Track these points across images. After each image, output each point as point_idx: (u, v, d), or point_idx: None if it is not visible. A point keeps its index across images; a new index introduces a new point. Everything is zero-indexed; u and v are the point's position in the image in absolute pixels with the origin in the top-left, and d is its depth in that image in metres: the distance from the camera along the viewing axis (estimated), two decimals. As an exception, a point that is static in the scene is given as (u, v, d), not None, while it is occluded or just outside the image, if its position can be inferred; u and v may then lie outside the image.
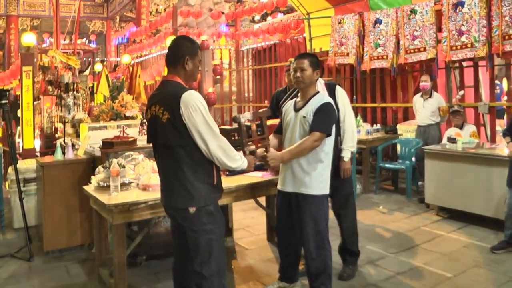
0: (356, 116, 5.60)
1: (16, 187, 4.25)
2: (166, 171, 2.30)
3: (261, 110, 2.77)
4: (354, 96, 7.22)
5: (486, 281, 3.25)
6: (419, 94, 5.79)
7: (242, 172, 3.01)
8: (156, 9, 16.35)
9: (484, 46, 5.04)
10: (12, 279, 3.46)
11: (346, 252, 3.38)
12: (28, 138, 5.66)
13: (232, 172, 3.20)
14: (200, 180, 2.23)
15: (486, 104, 5.51)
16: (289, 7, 11.53)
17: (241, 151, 2.42)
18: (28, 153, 5.49)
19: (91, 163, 3.91)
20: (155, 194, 2.73)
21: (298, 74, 2.78)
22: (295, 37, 9.02)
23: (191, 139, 2.19)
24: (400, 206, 5.29)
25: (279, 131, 3.00)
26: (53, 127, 5.68)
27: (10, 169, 4.67)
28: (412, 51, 5.86)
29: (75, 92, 5.26)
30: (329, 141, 2.77)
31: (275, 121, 3.21)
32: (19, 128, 6.25)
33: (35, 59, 7.12)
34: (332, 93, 3.12)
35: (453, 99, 5.91)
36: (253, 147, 2.52)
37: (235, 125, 2.51)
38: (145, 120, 4.05)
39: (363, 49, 6.53)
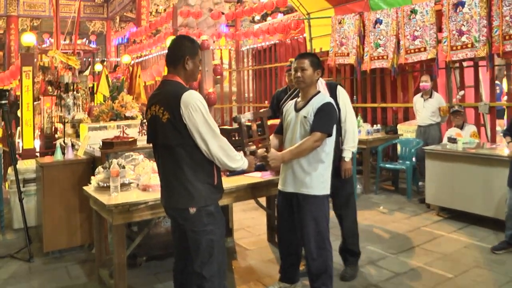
0: (356, 116, 5.59)
1: (16, 188, 4.24)
2: (166, 171, 2.29)
3: (261, 110, 2.76)
4: (355, 96, 7.22)
5: (487, 281, 3.24)
6: (420, 94, 5.78)
7: (242, 172, 3.00)
8: (156, 10, 16.35)
9: (485, 46, 5.03)
10: (12, 280, 3.45)
11: (347, 252, 3.38)
12: (28, 139, 5.65)
13: (233, 173, 3.20)
14: (201, 180, 2.22)
15: (486, 104, 5.50)
16: (289, 7, 11.54)
17: (242, 152, 2.41)
18: (28, 154, 5.48)
19: (91, 164, 3.90)
20: (155, 195, 2.73)
21: (299, 74, 2.78)
22: (295, 37, 9.01)
23: (191, 139, 2.18)
24: (400, 206, 5.28)
25: (279, 131, 3.00)
26: (53, 128, 5.67)
27: (10, 170, 4.66)
28: (412, 51, 5.85)
29: (75, 92, 5.25)
30: (330, 141, 2.76)
31: (276, 121, 3.20)
32: (19, 128, 6.24)
33: (35, 59, 7.12)
34: (333, 93, 3.11)
35: (454, 99, 5.91)
36: (253, 147, 2.52)
37: (235, 125, 2.50)
38: (145, 120, 4.04)
39: (363, 49, 6.53)
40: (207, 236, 2.23)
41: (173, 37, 2.66)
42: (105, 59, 16.65)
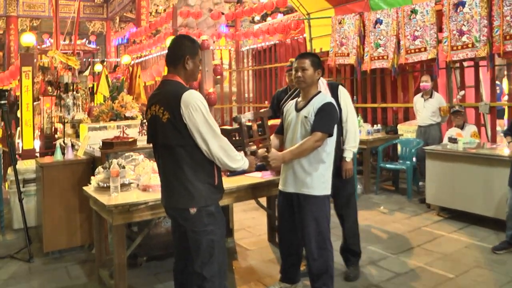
0: (356, 116, 5.59)
1: (16, 188, 4.23)
2: (167, 171, 2.28)
3: (262, 110, 2.75)
4: (355, 97, 7.21)
5: (487, 281, 3.23)
6: (420, 94, 5.78)
7: (243, 172, 2.99)
8: (156, 10, 16.34)
9: (485, 46, 5.03)
10: (12, 280, 3.44)
11: (348, 252, 3.37)
12: (28, 139, 5.64)
13: (233, 173, 3.19)
14: (201, 180, 2.22)
15: (486, 104, 5.50)
16: (289, 7, 11.54)
17: (242, 152, 2.40)
18: (28, 154, 5.48)
19: (90, 164, 3.89)
20: (155, 195, 2.72)
21: (299, 73, 2.77)
22: (295, 38, 9.01)
23: (191, 139, 2.17)
24: (401, 206, 5.27)
25: (280, 131, 2.99)
26: (53, 128, 5.66)
27: (10, 170, 4.65)
28: (412, 51, 5.85)
29: (74, 93, 5.24)
30: (331, 141, 2.75)
31: (276, 121, 3.19)
32: (18, 128, 6.23)
33: (35, 60, 7.11)
34: (334, 93, 3.11)
35: (454, 99, 5.90)
36: (254, 147, 2.51)
37: (235, 125, 2.49)
38: (145, 121, 4.03)
39: (363, 49, 6.52)
40: (207, 237, 2.22)
41: (173, 37, 2.64)
42: (105, 59, 16.65)
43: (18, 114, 5.98)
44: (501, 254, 3.69)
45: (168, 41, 6.97)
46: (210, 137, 2.16)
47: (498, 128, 5.79)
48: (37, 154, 5.54)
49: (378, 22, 6.27)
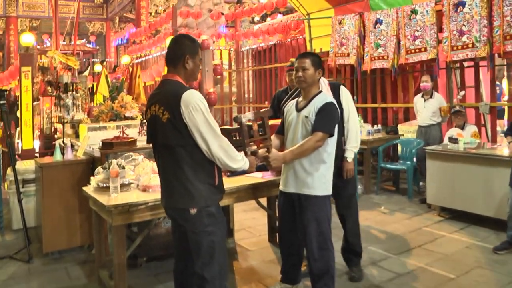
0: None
1: (15, 188, 4.22)
2: (166, 171, 2.27)
3: (262, 110, 2.73)
4: (355, 97, 7.20)
5: (489, 282, 3.22)
6: (420, 94, 5.77)
7: (243, 172, 2.97)
8: (156, 10, 16.32)
9: (485, 46, 5.02)
10: (11, 281, 3.43)
11: (350, 253, 3.36)
12: (27, 139, 5.63)
13: (234, 173, 3.18)
14: (201, 180, 2.20)
15: (487, 104, 5.49)
16: (289, 8, 11.54)
17: (243, 152, 2.39)
18: (27, 154, 5.46)
19: (90, 164, 3.88)
20: (155, 195, 2.71)
21: (300, 73, 2.76)
22: (295, 38, 9.00)
23: (191, 139, 2.16)
24: (401, 206, 5.26)
25: (281, 131, 2.98)
26: (53, 128, 5.65)
27: (9, 170, 4.64)
28: (412, 51, 5.84)
29: (74, 93, 5.23)
30: (332, 141, 2.74)
31: (277, 122, 3.18)
32: (18, 129, 6.22)
33: (35, 60, 7.10)
34: (336, 93, 3.10)
35: (454, 99, 5.89)
36: (254, 147, 2.49)
37: (235, 125, 2.48)
38: (144, 121, 4.02)
39: (363, 50, 6.52)
40: (208, 237, 2.20)
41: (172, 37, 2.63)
42: (106, 59, 16.65)
43: (18, 114, 5.97)
44: (502, 254, 3.68)
45: (168, 41, 6.96)
46: (210, 137, 2.15)
47: (498, 129, 5.79)
48: (37, 154, 5.53)
49: (378, 22, 6.27)
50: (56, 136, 5.37)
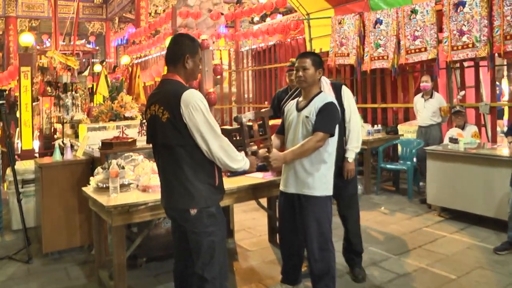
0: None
1: (14, 188, 4.21)
2: (166, 171, 2.26)
3: (263, 110, 2.72)
4: (355, 97, 7.17)
5: (489, 282, 3.22)
6: (420, 94, 5.77)
7: (244, 173, 2.96)
8: (155, 10, 16.33)
9: (486, 46, 5.02)
10: (11, 282, 3.42)
11: (352, 253, 3.35)
12: (27, 139, 5.62)
13: (234, 173, 3.16)
14: (201, 180, 2.19)
15: (487, 104, 5.48)
16: (288, 8, 11.53)
17: (243, 152, 2.37)
18: (27, 154, 5.45)
19: (90, 164, 3.87)
20: (155, 195, 2.70)
21: (300, 73, 2.75)
22: (295, 38, 8.99)
23: (191, 139, 2.15)
24: (401, 207, 5.26)
25: (281, 131, 2.97)
26: (52, 128, 5.64)
27: (9, 170, 4.63)
28: (412, 51, 5.83)
29: (73, 93, 5.22)
30: (333, 142, 2.73)
31: (277, 122, 3.17)
32: (18, 129, 6.21)
33: (34, 60, 7.09)
34: (338, 93, 3.09)
35: (454, 99, 5.89)
36: (255, 147, 2.48)
37: (235, 125, 2.47)
38: (144, 121, 4.01)
39: (363, 50, 6.51)
40: (208, 238, 2.20)
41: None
42: (105, 59, 16.64)
43: (18, 115, 5.96)
44: (503, 255, 3.67)
45: (168, 41, 6.96)
46: (210, 137, 2.14)
47: (498, 129, 5.78)
48: (36, 155, 5.52)
49: (378, 22, 6.26)
50: (55, 136, 5.36)
